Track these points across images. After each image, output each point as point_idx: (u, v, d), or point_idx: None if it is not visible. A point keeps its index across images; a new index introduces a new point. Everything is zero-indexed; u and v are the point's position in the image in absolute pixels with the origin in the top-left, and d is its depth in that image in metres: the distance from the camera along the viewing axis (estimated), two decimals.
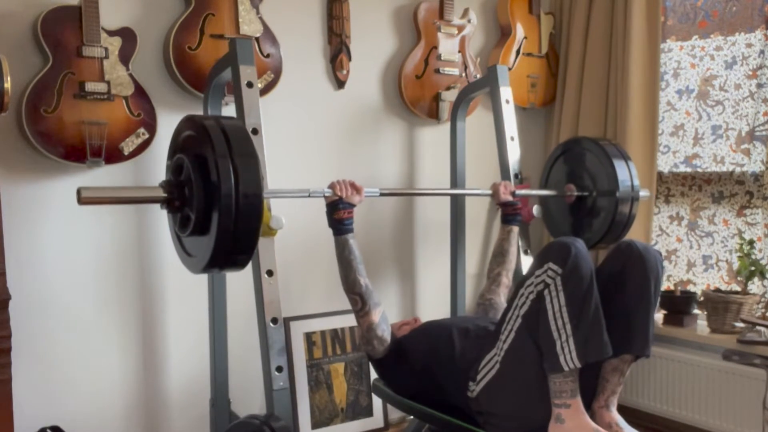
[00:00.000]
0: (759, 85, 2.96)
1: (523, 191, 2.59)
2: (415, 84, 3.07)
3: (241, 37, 2.50)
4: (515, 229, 2.50)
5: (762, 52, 2.95)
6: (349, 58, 2.96)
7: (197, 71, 2.49)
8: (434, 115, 3.12)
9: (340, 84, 2.96)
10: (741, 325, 2.86)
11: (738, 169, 3.04)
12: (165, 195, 1.80)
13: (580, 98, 3.38)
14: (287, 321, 2.81)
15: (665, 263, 3.25)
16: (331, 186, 2.10)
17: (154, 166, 2.50)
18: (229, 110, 2.50)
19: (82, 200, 1.69)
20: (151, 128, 2.41)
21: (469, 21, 3.19)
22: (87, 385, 2.47)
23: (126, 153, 2.37)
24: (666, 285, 3.23)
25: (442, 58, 3.10)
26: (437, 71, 3.09)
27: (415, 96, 3.08)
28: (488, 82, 2.79)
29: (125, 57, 2.36)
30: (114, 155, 2.35)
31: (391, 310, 3.15)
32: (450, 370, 1.97)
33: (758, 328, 2.77)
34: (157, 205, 1.85)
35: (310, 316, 2.90)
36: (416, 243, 3.24)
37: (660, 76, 3.18)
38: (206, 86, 2.44)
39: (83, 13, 2.27)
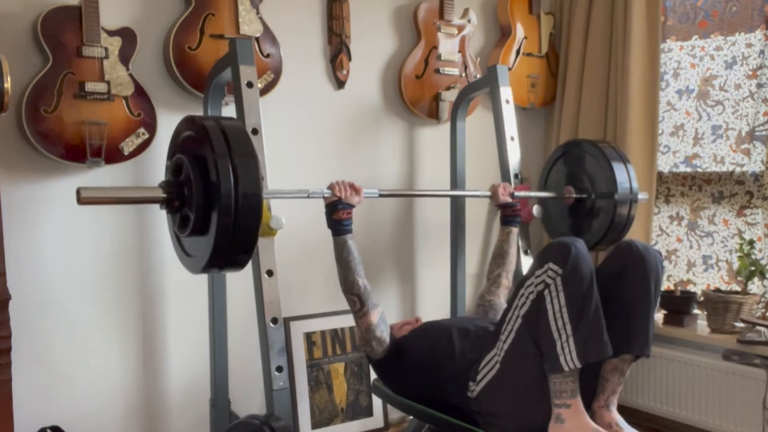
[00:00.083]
0: (759, 85, 2.96)
1: (522, 193, 2.60)
2: (415, 84, 3.07)
3: (241, 37, 2.50)
4: (515, 230, 2.50)
5: (762, 52, 2.95)
6: (349, 58, 2.96)
7: (197, 71, 2.49)
8: (434, 115, 3.13)
9: (340, 84, 2.96)
10: (741, 325, 2.86)
11: (738, 169, 3.04)
12: (164, 195, 1.80)
13: (580, 98, 3.38)
14: (287, 321, 2.81)
15: (665, 263, 3.25)
16: (330, 187, 2.10)
17: (154, 166, 2.50)
18: (229, 110, 2.51)
19: (81, 200, 1.69)
20: (151, 128, 2.41)
21: (469, 21, 3.19)
22: (87, 385, 2.47)
23: (126, 153, 2.37)
24: (666, 285, 3.23)
25: (442, 58, 3.10)
26: (437, 71, 3.09)
27: (415, 96, 3.08)
28: (488, 82, 2.79)
29: (125, 57, 2.36)
30: (114, 155, 2.35)
31: (391, 311, 3.15)
32: (450, 370, 1.97)
33: (758, 328, 2.77)
34: (157, 205, 1.85)
35: (310, 316, 2.90)
36: (416, 243, 3.24)
37: (660, 76, 3.18)
38: (206, 86, 2.44)
39: (83, 13, 2.27)
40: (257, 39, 2.60)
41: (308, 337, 2.88)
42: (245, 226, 1.72)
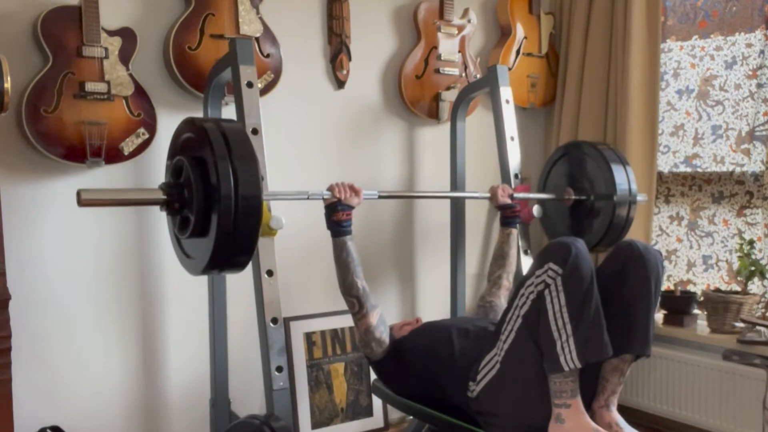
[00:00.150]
0: (759, 85, 2.96)
1: (521, 194, 2.60)
2: (415, 84, 3.07)
3: (241, 37, 2.50)
4: (514, 231, 2.51)
5: (762, 52, 2.95)
6: (349, 58, 2.96)
7: (197, 71, 2.49)
8: (434, 115, 3.12)
9: (340, 84, 2.96)
10: (741, 325, 2.86)
11: (738, 169, 3.04)
12: (164, 197, 1.80)
13: (580, 98, 3.38)
14: (287, 321, 2.81)
15: (665, 263, 3.25)
16: (330, 188, 2.10)
17: (154, 166, 2.50)
18: (229, 110, 2.50)
19: (82, 202, 1.69)
20: (151, 128, 2.41)
21: (469, 21, 3.19)
22: (87, 385, 2.47)
23: (126, 153, 2.37)
24: (666, 285, 3.23)
25: (442, 58, 3.10)
26: (437, 71, 3.09)
27: (415, 96, 3.08)
28: (488, 82, 2.79)
29: (125, 57, 2.36)
30: (114, 155, 2.35)
31: (392, 312, 3.15)
32: (450, 370, 1.97)
33: (758, 328, 2.77)
34: (157, 206, 1.85)
35: (310, 316, 2.90)
36: (416, 244, 3.24)
37: (660, 76, 3.18)
38: (206, 86, 2.44)
39: (83, 13, 2.27)
40: (257, 39, 2.60)
41: (308, 337, 2.89)
42: (245, 227, 1.72)
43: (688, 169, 3.21)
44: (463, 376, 1.93)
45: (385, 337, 2.10)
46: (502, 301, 2.38)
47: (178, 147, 1.86)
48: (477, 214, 3.38)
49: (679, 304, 3.07)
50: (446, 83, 3.11)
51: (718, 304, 2.90)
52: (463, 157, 3.03)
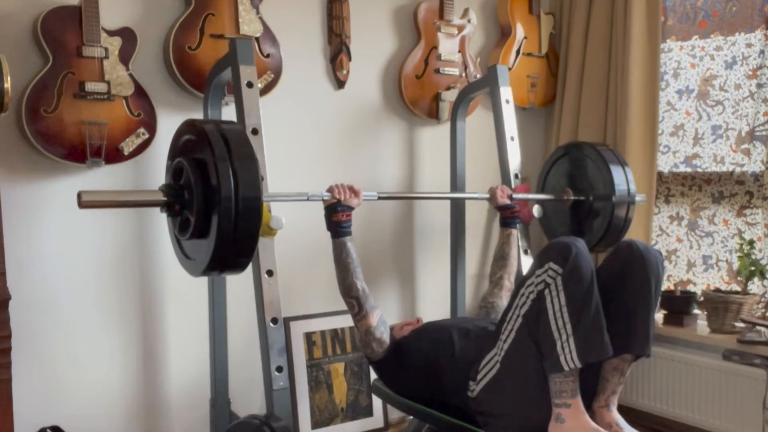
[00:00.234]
0: (759, 85, 2.96)
1: (521, 195, 2.60)
2: (415, 84, 3.07)
3: (241, 37, 2.50)
4: (514, 231, 2.51)
5: (762, 52, 2.95)
6: (349, 58, 2.96)
7: (197, 71, 2.49)
8: (434, 115, 3.12)
9: (340, 84, 2.96)
10: (741, 325, 2.86)
11: (738, 169, 3.04)
12: (165, 199, 1.80)
13: (580, 98, 3.38)
14: (287, 321, 2.81)
15: (665, 263, 3.25)
16: (330, 189, 2.11)
17: (154, 166, 2.50)
18: (229, 110, 2.50)
19: (82, 204, 1.69)
20: (151, 128, 2.41)
21: (469, 21, 3.19)
22: (87, 385, 2.47)
23: (126, 153, 2.37)
24: (666, 285, 3.23)
25: (442, 58, 3.10)
26: (437, 71, 3.09)
27: (415, 96, 3.08)
28: (488, 82, 2.79)
29: (125, 57, 2.36)
30: (114, 155, 2.35)
31: (392, 312, 3.15)
32: (450, 370, 1.97)
33: (758, 328, 2.77)
34: (157, 207, 1.85)
35: (310, 316, 2.90)
36: (416, 244, 3.24)
37: (660, 76, 3.18)
38: (206, 86, 2.44)
39: (83, 13, 2.27)
40: (257, 39, 2.60)
41: (308, 337, 2.89)
42: (245, 229, 1.72)
43: (688, 169, 3.21)
44: (464, 375, 1.93)
45: (386, 338, 2.10)
46: (503, 301, 2.38)
47: (178, 148, 1.86)
48: (477, 215, 3.38)
49: (679, 304, 3.07)
50: (446, 83, 3.11)
51: (718, 304, 2.90)
52: (463, 157, 3.03)
